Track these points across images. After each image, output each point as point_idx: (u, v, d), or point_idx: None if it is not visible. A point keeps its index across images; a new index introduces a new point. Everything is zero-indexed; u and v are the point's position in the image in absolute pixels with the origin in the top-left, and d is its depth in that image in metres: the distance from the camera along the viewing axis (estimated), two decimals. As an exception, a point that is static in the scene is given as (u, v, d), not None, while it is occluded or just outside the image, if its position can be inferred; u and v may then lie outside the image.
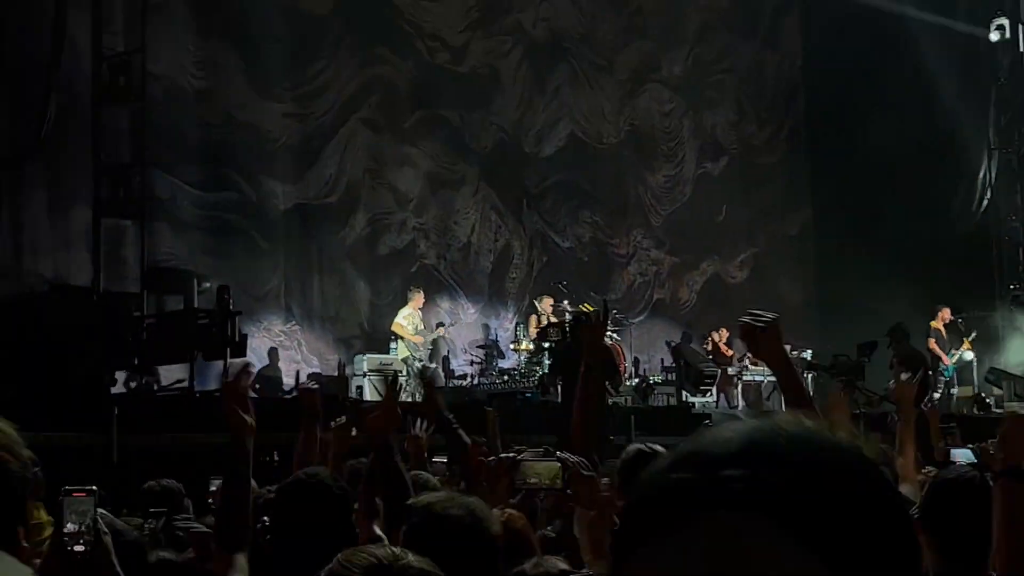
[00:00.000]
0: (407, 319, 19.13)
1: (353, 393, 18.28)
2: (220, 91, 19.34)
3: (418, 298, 19.49)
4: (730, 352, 21.97)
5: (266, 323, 19.41)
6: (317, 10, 20.46)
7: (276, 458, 10.18)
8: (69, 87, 16.89)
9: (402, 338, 19.05)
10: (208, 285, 16.71)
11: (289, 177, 20.03)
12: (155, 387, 16.42)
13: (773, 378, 21.36)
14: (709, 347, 22.13)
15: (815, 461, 1.16)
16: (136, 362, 16.01)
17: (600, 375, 4.75)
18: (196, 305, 16.44)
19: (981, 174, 24.18)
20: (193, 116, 19.15)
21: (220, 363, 15.30)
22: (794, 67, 26.79)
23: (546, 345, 18.15)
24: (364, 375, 18.42)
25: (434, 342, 21.23)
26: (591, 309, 18.85)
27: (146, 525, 6.14)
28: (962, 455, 9.34)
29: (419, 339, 19.04)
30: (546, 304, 19.73)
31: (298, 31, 20.19)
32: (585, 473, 5.45)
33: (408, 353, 18.96)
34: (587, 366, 5.93)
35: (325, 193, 20.48)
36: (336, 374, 19.16)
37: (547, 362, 18.04)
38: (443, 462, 8.16)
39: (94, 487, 3.00)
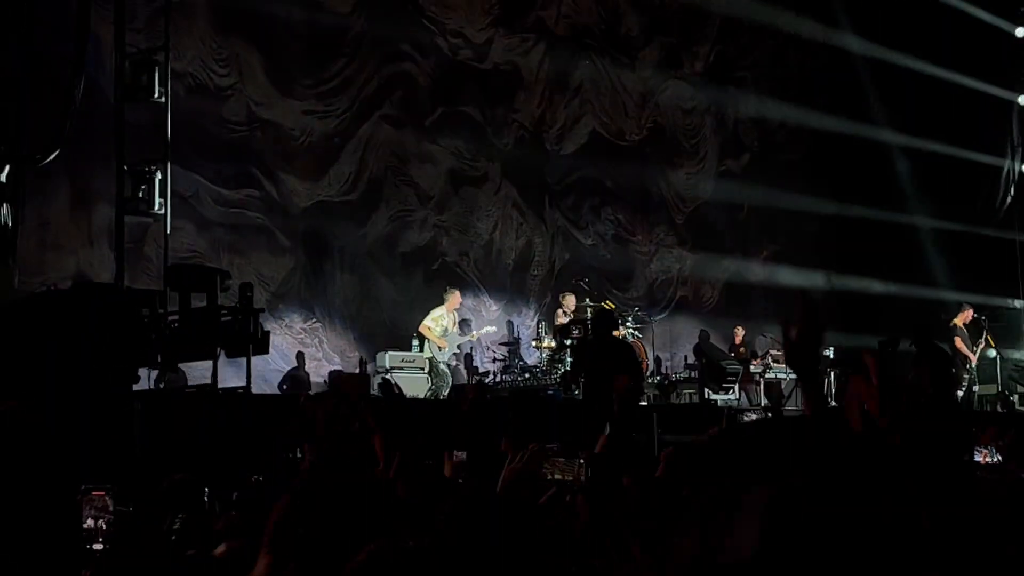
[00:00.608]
0: (435, 320, 19.10)
1: (375, 390, 18.32)
2: (242, 88, 19.41)
3: (453, 299, 19.48)
4: (743, 350, 21.96)
5: (287, 320, 19.46)
6: (339, 7, 20.51)
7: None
8: (93, 84, 16.93)
9: (425, 338, 19.06)
10: (231, 282, 16.73)
11: (310, 174, 20.08)
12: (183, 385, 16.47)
13: (794, 375, 21.39)
14: (737, 344, 22.16)
15: None
16: (159, 359, 16.02)
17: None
18: (219, 302, 16.47)
19: (1004, 172, 24.10)
20: (216, 114, 19.22)
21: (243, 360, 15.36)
22: (817, 63, 26.68)
23: (568, 342, 18.17)
24: (387, 371, 18.45)
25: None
26: (612, 306, 18.90)
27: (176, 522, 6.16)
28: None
29: (443, 343, 19.00)
30: (569, 302, 19.77)
31: (319, 28, 20.23)
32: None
33: (431, 354, 18.97)
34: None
35: (346, 190, 20.51)
36: (358, 371, 19.20)
37: (568, 359, 18.06)
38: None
39: (111, 485, 3.01)
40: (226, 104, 19.27)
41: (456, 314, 19.56)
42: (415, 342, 19.45)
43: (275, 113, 19.70)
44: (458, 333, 19.48)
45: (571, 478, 5.57)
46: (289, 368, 19.04)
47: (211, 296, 16.60)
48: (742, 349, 21.99)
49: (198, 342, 15.96)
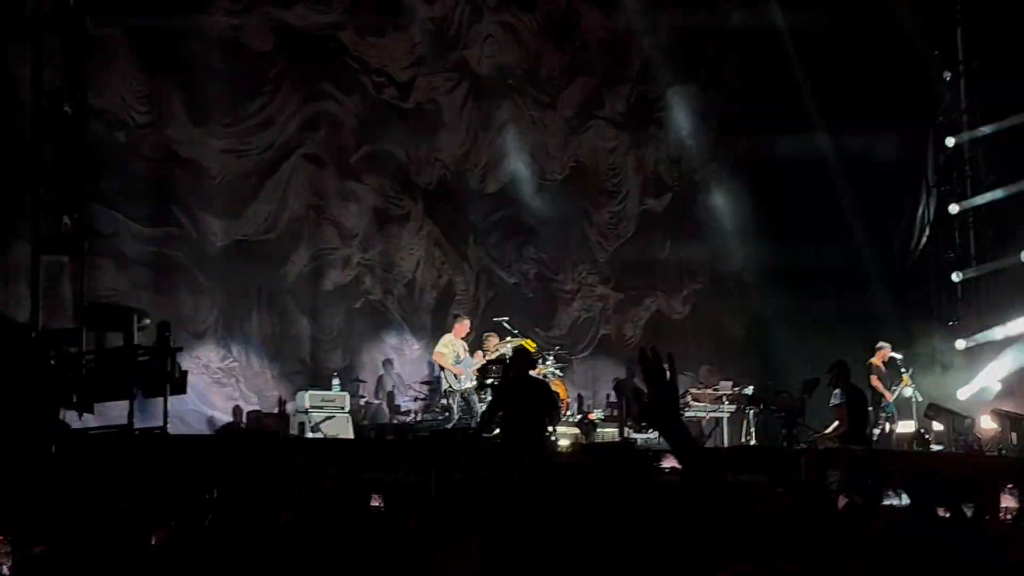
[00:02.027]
0: (446, 346, 19.13)
1: (294, 430, 18.24)
2: (162, 126, 19.31)
3: (460, 327, 19.52)
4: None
5: (204, 360, 19.30)
6: (260, 46, 20.49)
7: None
8: (9, 122, 16.79)
9: (443, 368, 19.04)
10: (148, 321, 16.61)
11: (229, 213, 19.97)
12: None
13: (716, 414, 21.55)
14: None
15: None
16: (75, 399, 15.84)
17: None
18: (136, 342, 16.33)
19: (920, 212, 24.42)
20: (136, 151, 19.11)
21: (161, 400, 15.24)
22: (735, 106, 26.90)
23: (488, 381, 18.19)
24: (306, 411, 18.36)
25: (380, 378, 21.22)
26: (532, 346, 18.93)
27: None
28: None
29: (459, 370, 18.97)
30: (491, 342, 19.78)
31: (241, 67, 20.21)
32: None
33: (448, 384, 18.95)
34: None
35: (265, 229, 20.42)
36: (276, 411, 19.10)
37: (487, 399, 18.07)
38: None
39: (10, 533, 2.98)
40: (145, 142, 19.15)
41: (464, 342, 19.49)
42: (335, 381, 19.37)
43: (194, 151, 19.61)
44: (471, 359, 19.41)
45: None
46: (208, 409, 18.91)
47: (128, 335, 16.48)
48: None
49: (114, 382, 15.82)
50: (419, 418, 20.10)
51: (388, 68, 22.26)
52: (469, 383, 19.07)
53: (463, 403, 18.96)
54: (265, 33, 20.58)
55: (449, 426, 18.65)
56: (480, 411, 18.58)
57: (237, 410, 19.25)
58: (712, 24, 25.24)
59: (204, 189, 19.73)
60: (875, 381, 20.75)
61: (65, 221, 16.47)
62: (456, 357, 19.16)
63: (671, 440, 3.81)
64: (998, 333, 23.41)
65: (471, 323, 20.04)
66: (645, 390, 3.61)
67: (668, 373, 3.65)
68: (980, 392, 23.31)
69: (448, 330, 19.96)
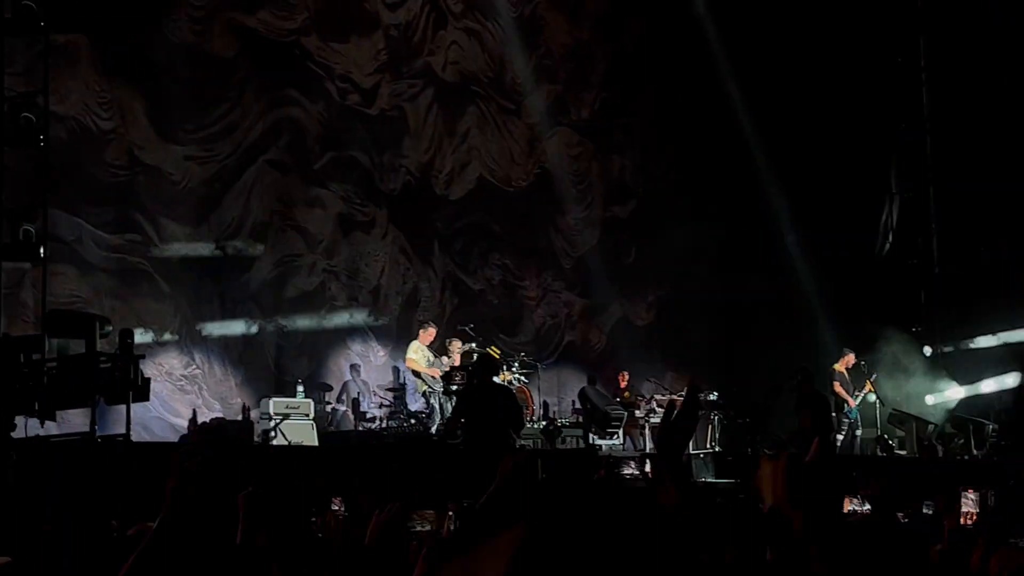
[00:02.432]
0: (416, 352, 19.12)
1: (258, 437, 18.16)
2: (125, 133, 19.20)
3: (426, 334, 19.51)
4: (628, 395, 22.10)
5: (167, 367, 19.20)
6: (223, 52, 20.40)
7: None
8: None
9: (419, 373, 19.00)
10: (110, 328, 16.52)
11: (191, 219, 19.88)
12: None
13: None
14: (622, 388, 22.29)
15: None
16: (37, 407, 15.73)
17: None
18: (98, 349, 16.23)
19: (883, 218, 24.52)
20: (99, 157, 19.00)
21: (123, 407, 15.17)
22: (699, 113, 26.99)
23: (452, 388, 18.17)
24: (270, 418, 18.28)
25: (345, 384, 21.17)
26: (497, 352, 18.93)
27: None
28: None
29: (435, 372, 18.97)
30: (454, 348, 19.78)
31: (204, 73, 20.11)
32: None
33: (426, 387, 18.93)
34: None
35: (229, 235, 20.33)
36: (240, 418, 19.02)
37: (450, 405, 18.08)
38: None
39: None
40: (108, 148, 19.05)
41: (429, 350, 19.48)
42: (300, 387, 19.31)
43: (157, 157, 19.51)
44: (439, 362, 19.41)
45: (437, 529, 5.55)
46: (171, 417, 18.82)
47: (90, 342, 16.38)
48: (627, 394, 22.11)
49: (76, 389, 15.73)
50: (384, 424, 20.05)
51: (352, 74, 22.23)
52: (441, 384, 19.11)
53: (440, 403, 18.94)
54: (228, 39, 20.50)
55: (433, 428, 18.65)
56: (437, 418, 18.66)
57: (193, 416, 19.07)
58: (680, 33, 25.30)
59: (167, 195, 19.62)
60: (838, 387, 20.85)
61: (26, 228, 16.37)
62: (427, 361, 19.17)
63: (670, 467, 3.80)
64: (979, 342, 23.48)
65: (435, 331, 20.00)
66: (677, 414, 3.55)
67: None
68: (946, 399, 23.42)
69: (414, 337, 19.93)
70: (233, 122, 20.49)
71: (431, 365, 19.18)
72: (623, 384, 22.42)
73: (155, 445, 16.89)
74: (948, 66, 23.68)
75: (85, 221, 18.71)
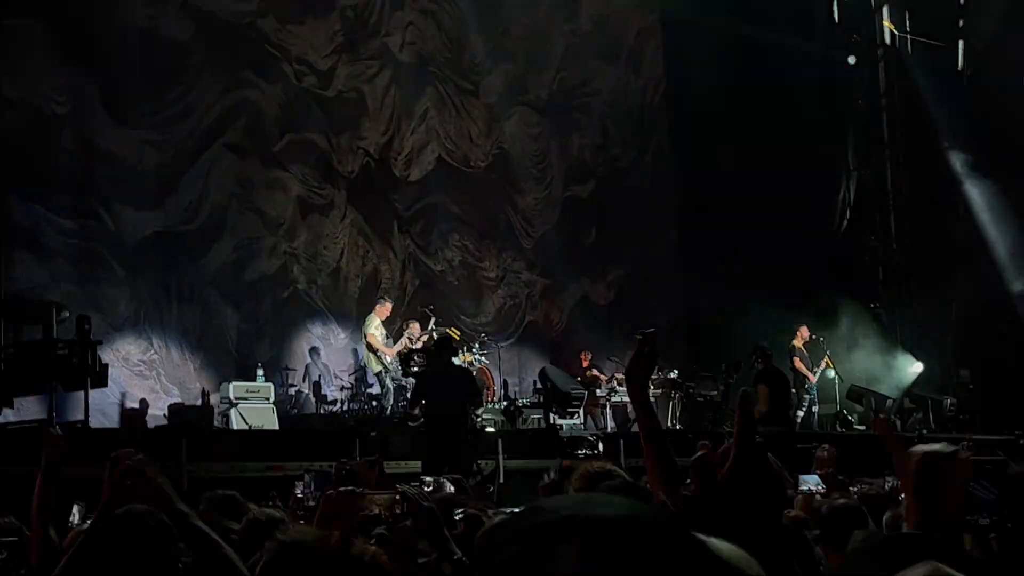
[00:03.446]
0: (377, 328, 19.03)
1: (218, 422, 18.12)
2: (79, 117, 19.03)
3: (383, 308, 19.39)
4: (602, 376, 22.18)
5: (124, 352, 19.09)
6: (178, 35, 20.26)
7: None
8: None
9: (375, 350, 18.91)
10: (67, 314, 16.42)
11: (148, 204, 19.74)
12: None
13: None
14: (584, 367, 22.36)
15: None
16: (-7, 393, 15.64)
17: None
18: (55, 335, 16.14)
19: (840, 195, 24.66)
20: (54, 143, 18.84)
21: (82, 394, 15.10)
22: (658, 91, 27.10)
23: (412, 370, 18.15)
24: (231, 403, 18.23)
25: (307, 367, 21.14)
26: (456, 334, 18.93)
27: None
28: (811, 480, 9.53)
29: (392, 351, 18.90)
30: (414, 329, 19.74)
31: (159, 56, 19.95)
32: (424, 504, 5.52)
33: (381, 367, 18.84)
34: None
35: (186, 219, 20.21)
36: (200, 403, 18.95)
37: (404, 385, 18.11)
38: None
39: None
40: (63, 133, 18.90)
41: (384, 326, 19.42)
42: (259, 371, 19.26)
43: (111, 142, 19.33)
44: (391, 342, 19.33)
45: (386, 512, 5.53)
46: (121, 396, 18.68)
47: (47, 328, 16.28)
48: (589, 373, 22.18)
49: (33, 376, 15.64)
50: (346, 407, 20.02)
51: (309, 56, 22.13)
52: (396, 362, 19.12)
53: (393, 383, 18.93)
54: (183, 21, 20.36)
55: (388, 409, 18.65)
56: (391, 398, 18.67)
57: (143, 403, 18.88)
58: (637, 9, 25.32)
59: (123, 180, 19.47)
60: (798, 363, 20.99)
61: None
62: (383, 338, 19.15)
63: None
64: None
65: (391, 306, 19.97)
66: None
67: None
68: (903, 374, 23.59)
69: (358, 317, 19.85)
70: (190, 105, 20.35)
71: (386, 343, 19.15)
72: (585, 364, 22.49)
73: (115, 431, 16.83)
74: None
75: (41, 207, 18.56)
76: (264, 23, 21.51)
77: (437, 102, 23.90)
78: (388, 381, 19.00)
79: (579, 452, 14.84)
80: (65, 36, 18.87)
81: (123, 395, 18.67)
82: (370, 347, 19.18)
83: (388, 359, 19.04)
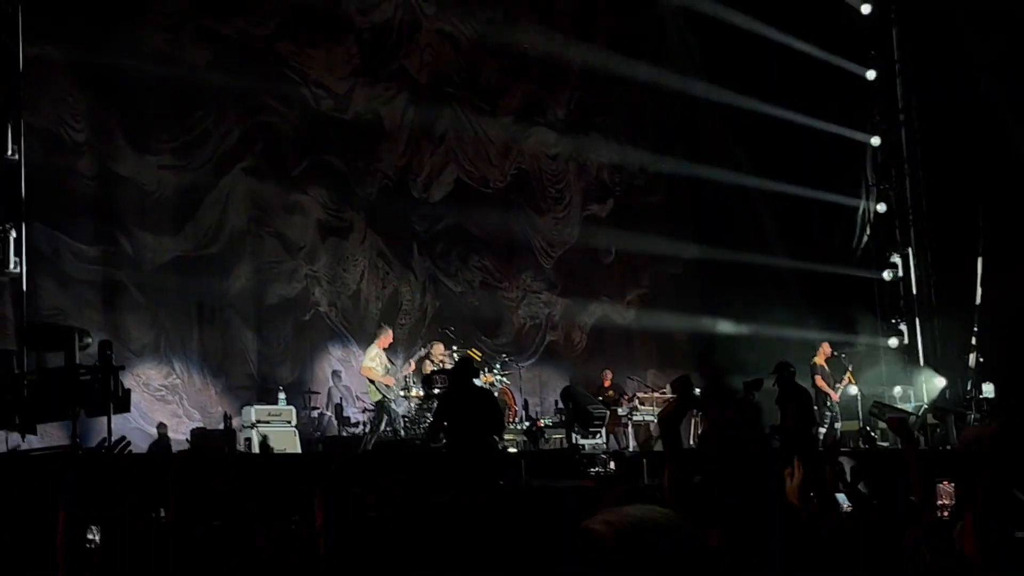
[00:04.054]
0: (375, 360, 18.94)
1: (241, 445, 18.13)
2: (98, 143, 19.10)
3: (384, 337, 19.31)
4: (612, 393, 22.13)
5: (145, 378, 19.12)
6: (195, 60, 20.32)
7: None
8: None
9: (373, 381, 18.87)
10: (90, 340, 16.46)
11: (167, 229, 19.79)
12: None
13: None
14: (606, 387, 22.30)
15: None
16: (17, 421, 15.67)
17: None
18: (78, 361, 16.17)
19: (860, 211, 24.56)
20: (73, 169, 18.90)
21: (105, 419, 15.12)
22: (674, 109, 27.06)
23: (434, 391, 18.12)
24: (253, 426, 18.26)
25: (328, 391, 21.13)
26: (478, 355, 18.92)
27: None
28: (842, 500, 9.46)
29: (390, 380, 18.86)
30: (436, 350, 19.72)
31: (176, 82, 20.00)
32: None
33: (381, 396, 18.78)
34: None
35: (205, 244, 20.25)
36: (222, 427, 18.96)
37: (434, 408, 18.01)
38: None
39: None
40: (82, 160, 18.97)
41: (385, 353, 19.33)
42: (281, 395, 19.27)
43: (132, 168, 19.40)
44: (395, 369, 19.27)
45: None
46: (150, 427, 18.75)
47: (69, 355, 16.32)
48: (610, 392, 22.13)
49: (57, 402, 15.67)
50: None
51: (326, 79, 22.17)
52: (400, 391, 19.05)
53: (392, 413, 18.87)
54: (201, 47, 20.43)
55: (370, 437, 18.60)
56: (397, 420, 18.60)
57: (161, 428, 18.92)
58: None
59: (143, 206, 19.53)
60: (819, 381, 20.90)
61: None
62: (385, 368, 19.06)
63: None
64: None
65: (392, 333, 19.89)
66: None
67: None
68: (926, 389, 23.46)
69: (372, 341, 19.76)
70: (207, 130, 20.41)
71: (387, 372, 19.04)
72: (607, 383, 22.44)
73: (138, 457, 16.85)
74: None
75: (62, 234, 18.62)
76: (281, 47, 21.56)
77: (455, 123, 23.92)
78: (392, 406, 18.90)
79: (592, 471, 14.82)
80: (83, 63, 18.94)
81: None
82: (369, 380, 19.10)
83: (385, 387, 18.89)
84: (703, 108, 25.66)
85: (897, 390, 23.00)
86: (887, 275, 23.85)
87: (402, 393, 19.41)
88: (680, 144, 26.37)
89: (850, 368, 21.52)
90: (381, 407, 18.81)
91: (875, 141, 24.13)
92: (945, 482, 8.59)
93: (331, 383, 21.34)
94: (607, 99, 26.16)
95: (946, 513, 8.93)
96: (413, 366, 19.60)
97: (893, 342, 23.66)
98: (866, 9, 24.52)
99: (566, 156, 25.57)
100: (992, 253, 22.32)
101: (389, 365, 19.21)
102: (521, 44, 24.88)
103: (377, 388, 18.90)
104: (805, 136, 23.71)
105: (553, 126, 25.40)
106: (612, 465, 15.07)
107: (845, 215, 24.75)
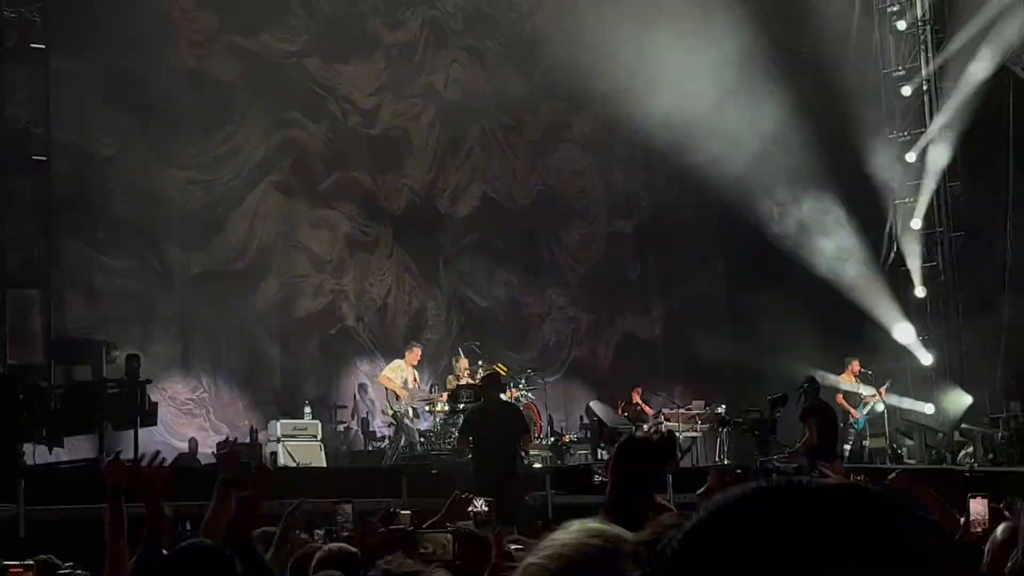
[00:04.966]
0: (394, 371, 18.91)
1: (267, 460, 18.16)
2: (126, 158, 19.25)
3: (412, 354, 19.23)
4: (648, 410, 22.08)
5: (171, 392, 19.21)
6: (225, 76, 20.46)
7: (188, 527, 10.09)
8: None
9: (388, 389, 18.84)
10: (117, 354, 16.57)
11: (196, 244, 19.92)
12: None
13: (691, 434, 21.63)
14: (633, 403, 22.24)
15: None
16: (45, 434, 15.75)
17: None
18: (105, 374, 16.27)
19: (887, 227, 24.45)
20: (102, 184, 19.04)
21: (131, 432, 15.21)
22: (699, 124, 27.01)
23: (460, 406, 18.11)
24: (278, 440, 18.31)
25: (356, 404, 21.14)
26: (504, 370, 18.92)
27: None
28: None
29: (404, 393, 18.81)
30: (462, 365, 19.71)
31: (206, 97, 20.16)
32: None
33: (394, 410, 18.75)
34: None
35: (233, 258, 20.35)
36: (248, 440, 19.02)
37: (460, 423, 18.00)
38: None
39: (32, 562, 3.03)
40: (111, 174, 19.09)
41: (415, 369, 19.29)
42: (307, 409, 19.30)
43: (160, 183, 19.56)
44: (421, 389, 19.13)
45: (440, 552, 5.60)
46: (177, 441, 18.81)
47: (96, 368, 16.44)
48: (637, 408, 22.08)
49: (84, 415, 15.77)
50: (390, 444, 20.00)
51: (353, 95, 22.28)
52: (408, 408, 19.02)
53: (405, 428, 18.83)
54: (229, 62, 20.57)
55: (392, 453, 18.57)
56: (415, 436, 18.57)
57: (192, 444, 19.00)
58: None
59: (171, 220, 19.68)
60: (840, 399, 20.80)
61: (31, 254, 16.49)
62: (404, 382, 18.99)
63: None
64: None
65: (420, 350, 19.82)
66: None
67: None
68: (954, 406, 23.32)
69: (400, 356, 19.71)
70: (236, 145, 20.55)
71: (404, 386, 18.98)
72: (636, 399, 22.38)
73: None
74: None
75: (90, 247, 18.75)
76: (309, 63, 21.69)
77: (481, 139, 23.98)
78: (406, 421, 18.86)
79: (595, 479, 14.82)
80: (112, 78, 19.09)
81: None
82: (385, 389, 19.02)
83: (396, 399, 18.87)
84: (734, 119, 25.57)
85: (928, 408, 22.88)
86: (920, 292, 23.71)
87: (427, 408, 19.41)
88: (709, 159, 26.34)
89: (885, 385, 21.42)
90: (397, 421, 18.80)
91: (910, 157, 23.93)
92: (977, 498, 8.57)
93: (357, 396, 21.38)
94: (633, 115, 26.12)
95: (979, 529, 8.89)
96: (455, 379, 19.43)
97: (926, 360, 23.51)
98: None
99: (591, 172, 25.57)
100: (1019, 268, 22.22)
101: (413, 384, 19.11)
102: (548, 60, 24.87)
103: (387, 398, 18.92)
104: (837, 148, 23.58)
105: (580, 142, 25.41)
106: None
107: (874, 230, 24.61)
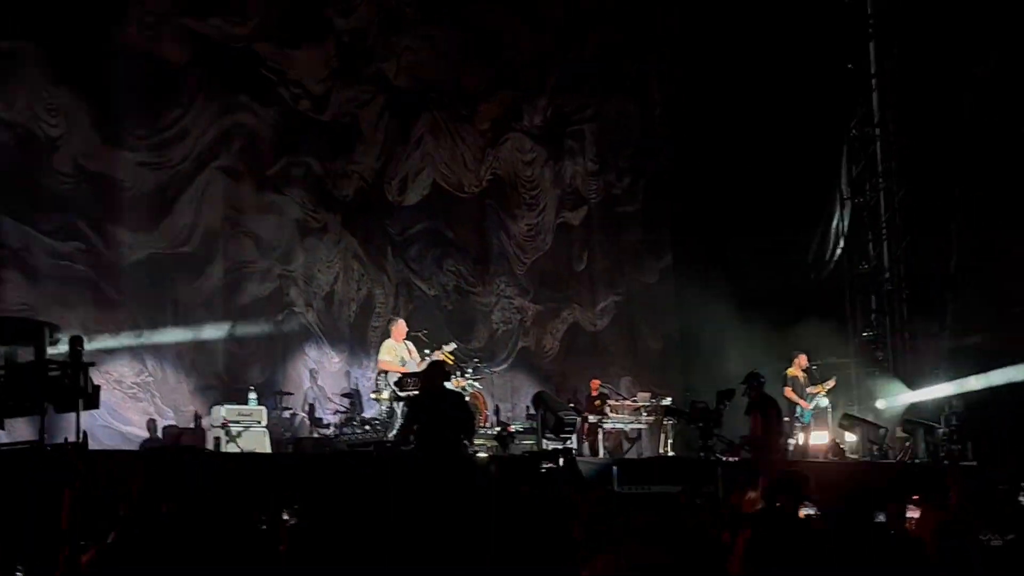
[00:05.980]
0: (389, 352, 18.53)
1: (210, 444, 18.05)
2: (73, 139, 19.03)
3: (397, 329, 18.84)
4: (599, 403, 22.10)
5: (117, 375, 19.05)
6: (174, 57, 20.28)
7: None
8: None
9: (387, 373, 18.41)
10: (60, 336, 16.35)
11: (142, 226, 19.74)
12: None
13: (636, 425, 21.71)
14: (593, 394, 22.26)
15: None
16: (-16, 415, 15.54)
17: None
18: (47, 356, 16.06)
19: (834, 223, 24.63)
20: (47, 165, 18.83)
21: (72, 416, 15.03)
22: (653, 118, 27.12)
23: (403, 395, 17.98)
24: (222, 426, 18.16)
25: (305, 391, 21.04)
26: (451, 359, 18.87)
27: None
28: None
29: (404, 370, 18.39)
30: (399, 328, 19.42)
31: (155, 79, 19.96)
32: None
33: (394, 390, 18.30)
34: None
35: (181, 242, 20.19)
36: (193, 426, 18.90)
37: (404, 411, 17.87)
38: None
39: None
40: (56, 155, 18.89)
41: (407, 344, 18.94)
42: (252, 395, 19.14)
43: (105, 165, 19.34)
44: (418, 361, 18.77)
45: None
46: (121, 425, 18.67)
47: (39, 350, 16.21)
48: (597, 402, 22.08)
49: (25, 397, 15.56)
50: (339, 431, 19.92)
51: (304, 80, 22.13)
52: (371, 394, 18.84)
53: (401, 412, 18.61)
54: (180, 45, 20.38)
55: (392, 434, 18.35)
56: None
57: (151, 425, 19.01)
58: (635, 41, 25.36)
59: (117, 203, 19.47)
60: (788, 392, 20.97)
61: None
62: (401, 360, 18.61)
63: None
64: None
65: (403, 322, 19.45)
66: None
67: None
68: (897, 403, 23.54)
69: (384, 336, 19.33)
70: (185, 128, 20.35)
71: (404, 364, 18.68)
72: (594, 391, 22.42)
73: (110, 453, 16.73)
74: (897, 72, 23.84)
75: (33, 229, 18.54)
76: (260, 47, 21.51)
77: (432, 128, 23.91)
78: (397, 406, 18.46)
79: (543, 467, 14.83)
80: (59, 57, 18.86)
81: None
82: (384, 373, 18.59)
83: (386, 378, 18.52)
84: (686, 115, 25.68)
85: (879, 403, 23.08)
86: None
87: (372, 396, 19.28)
88: (661, 152, 26.41)
89: (826, 380, 21.56)
90: (394, 403, 18.20)
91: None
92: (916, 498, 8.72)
93: (307, 384, 21.29)
94: (586, 107, 26.18)
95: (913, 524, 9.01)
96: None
97: (870, 356, 23.71)
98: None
99: (542, 163, 25.59)
100: (965, 266, 22.43)
101: (408, 357, 18.71)
102: (506, 50, 24.86)
103: (376, 382, 18.59)
104: (783, 141, 23.71)
105: (529, 132, 25.41)
106: (561, 461, 14.99)
107: (820, 226, 24.78)
